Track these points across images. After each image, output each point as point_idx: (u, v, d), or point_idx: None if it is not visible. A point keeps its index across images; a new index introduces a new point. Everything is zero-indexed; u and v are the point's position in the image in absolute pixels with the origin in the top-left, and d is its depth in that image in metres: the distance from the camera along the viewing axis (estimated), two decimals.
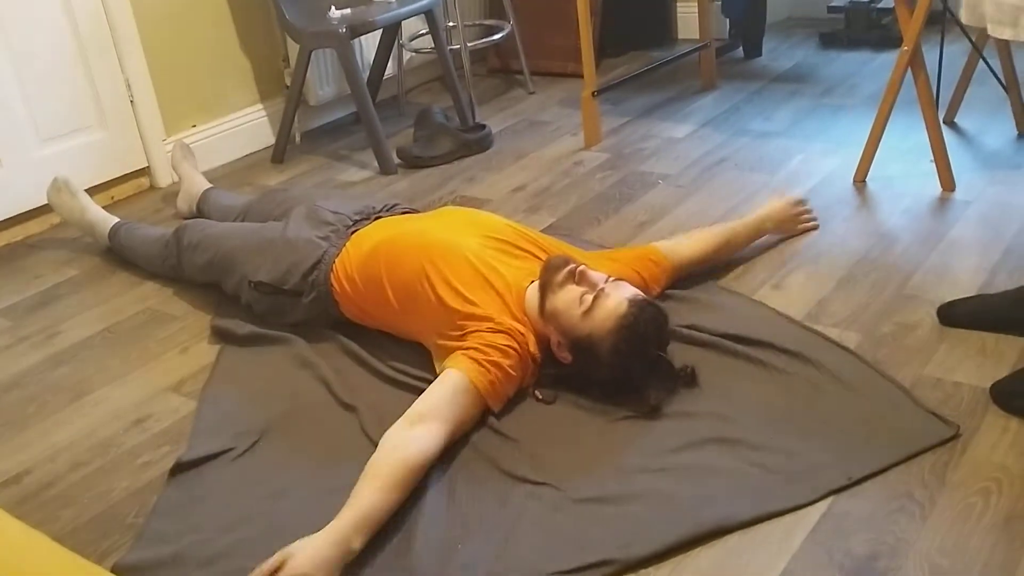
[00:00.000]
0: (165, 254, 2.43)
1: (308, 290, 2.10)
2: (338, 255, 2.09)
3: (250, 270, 2.18)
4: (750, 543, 1.49)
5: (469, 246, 1.95)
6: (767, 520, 1.52)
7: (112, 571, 1.53)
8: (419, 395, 1.89)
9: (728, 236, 2.28)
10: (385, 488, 1.55)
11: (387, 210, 2.26)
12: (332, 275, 2.08)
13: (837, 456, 1.64)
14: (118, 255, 2.63)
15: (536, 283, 1.89)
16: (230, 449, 1.81)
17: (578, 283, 1.85)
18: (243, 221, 2.49)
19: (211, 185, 2.85)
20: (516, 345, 1.82)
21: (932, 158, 2.59)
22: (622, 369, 1.78)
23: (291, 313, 2.15)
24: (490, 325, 1.82)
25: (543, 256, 1.98)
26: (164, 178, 3.19)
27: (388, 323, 2.05)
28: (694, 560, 1.47)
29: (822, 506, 1.54)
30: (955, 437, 1.66)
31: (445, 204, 2.80)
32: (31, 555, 1.13)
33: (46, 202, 2.89)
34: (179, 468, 1.76)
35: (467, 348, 1.79)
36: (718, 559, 1.47)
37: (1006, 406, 1.70)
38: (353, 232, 2.14)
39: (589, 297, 1.81)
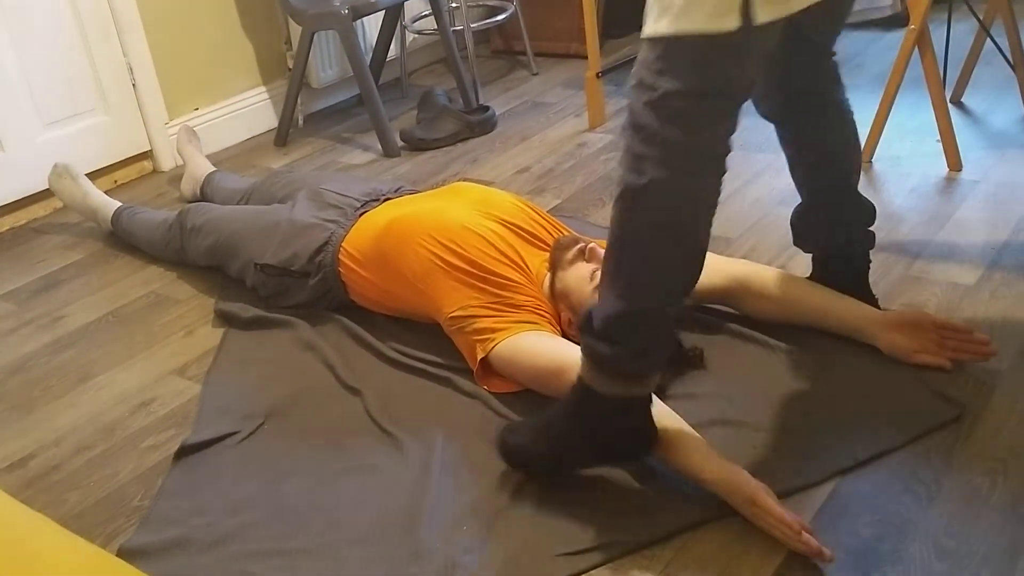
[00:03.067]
0: (168, 238, 2.43)
1: (315, 271, 2.10)
2: (345, 236, 2.08)
3: (256, 252, 2.18)
4: (755, 525, 1.48)
5: (489, 226, 1.95)
6: None
7: (117, 554, 1.54)
8: (423, 377, 1.91)
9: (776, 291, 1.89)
10: None
11: (395, 192, 2.25)
12: (340, 256, 2.07)
13: (842, 438, 1.63)
14: (121, 239, 2.62)
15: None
16: (235, 432, 1.81)
17: (588, 260, 1.86)
18: (247, 204, 2.48)
19: (215, 168, 2.84)
20: (542, 311, 1.86)
21: (939, 137, 2.57)
22: None
23: (297, 295, 2.15)
24: (517, 297, 1.84)
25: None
26: (167, 161, 3.19)
27: (398, 301, 2.03)
28: (699, 542, 1.47)
29: (827, 487, 1.54)
30: (960, 418, 1.65)
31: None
32: (36, 539, 1.13)
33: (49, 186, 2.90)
34: (184, 451, 1.77)
35: (507, 313, 1.82)
36: (723, 541, 1.47)
37: (509, 460, 1.62)
38: (361, 214, 2.13)
39: (599, 272, 1.81)
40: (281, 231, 2.16)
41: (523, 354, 1.76)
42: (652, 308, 1.44)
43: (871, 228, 1.88)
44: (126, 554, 1.53)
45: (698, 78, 1.33)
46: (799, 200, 1.89)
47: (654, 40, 1.35)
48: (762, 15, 1.28)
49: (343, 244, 2.08)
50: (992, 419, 1.65)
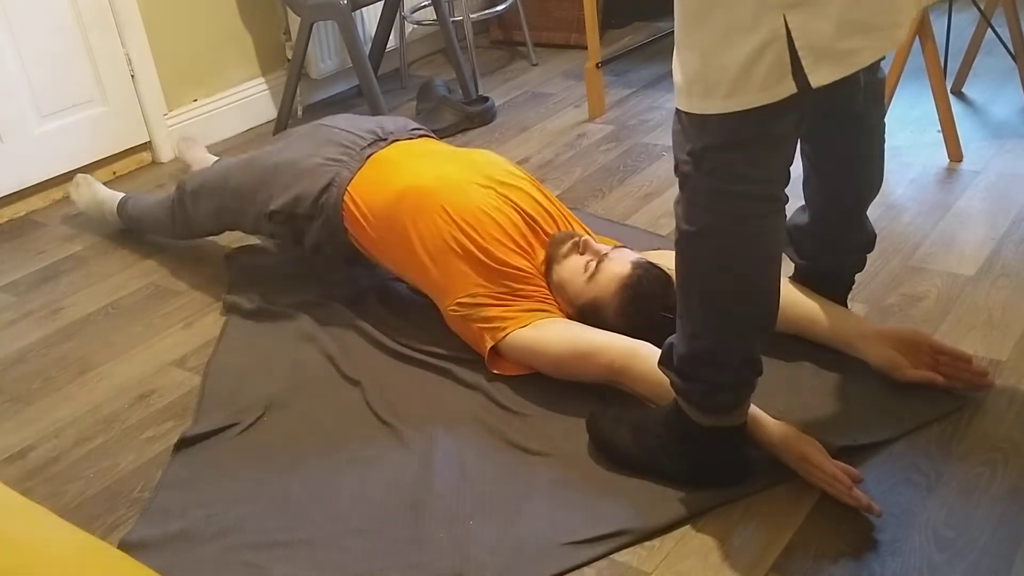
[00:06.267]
0: (173, 213, 2.37)
1: (318, 214, 2.05)
2: (352, 179, 2.03)
3: (262, 203, 2.12)
4: (756, 515, 1.49)
5: (505, 212, 1.93)
6: (773, 489, 1.52)
7: (118, 547, 1.54)
8: (423, 368, 1.91)
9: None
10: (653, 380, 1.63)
11: (408, 132, 2.17)
12: (345, 199, 2.02)
13: (843, 428, 1.63)
14: (129, 229, 2.60)
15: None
16: (234, 424, 1.81)
17: (582, 252, 1.86)
18: None
19: (218, 158, 2.81)
20: (550, 301, 1.87)
21: (939, 128, 2.57)
22: (628, 331, 1.77)
23: (308, 236, 2.10)
24: (527, 288, 1.85)
25: None
26: (166, 153, 3.18)
27: (394, 262, 2.00)
28: (700, 532, 1.47)
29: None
30: (959, 408, 1.65)
31: None
32: (35, 531, 1.13)
33: (48, 177, 2.90)
34: (184, 443, 1.77)
35: (518, 302, 1.82)
36: (723, 531, 1.47)
37: (599, 447, 1.64)
38: (369, 155, 2.07)
39: (593, 263, 1.83)
40: (281, 174, 2.10)
41: (542, 341, 1.76)
42: (723, 347, 1.43)
43: (867, 254, 1.81)
44: (127, 547, 1.53)
45: (740, 132, 1.30)
46: (802, 200, 1.81)
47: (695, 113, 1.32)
48: (817, 79, 1.23)
49: (349, 188, 2.02)
50: (992, 409, 1.65)
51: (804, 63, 1.22)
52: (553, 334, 1.77)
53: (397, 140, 2.12)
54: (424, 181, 1.96)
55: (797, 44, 1.21)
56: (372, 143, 2.10)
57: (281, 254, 2.20)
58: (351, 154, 2.07)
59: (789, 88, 1.24)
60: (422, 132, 2.22)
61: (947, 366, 1.69)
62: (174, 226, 2.42)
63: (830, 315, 1.79)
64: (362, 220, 2.01)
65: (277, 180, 2.11)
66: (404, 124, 2.22)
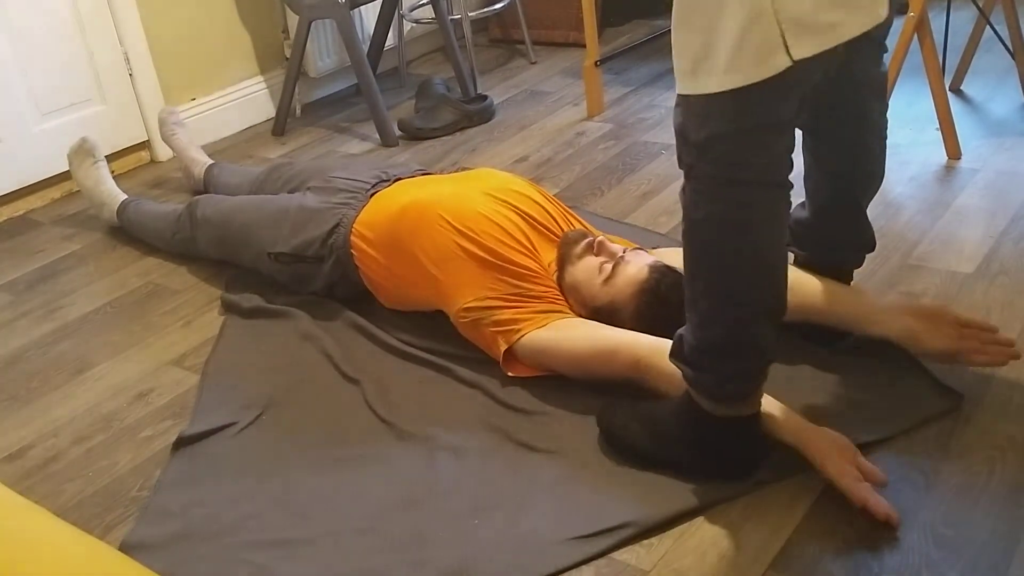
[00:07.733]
0: (176, 228, 2.40)
1: (328, 254, 2.08)
2: (357, 216, 2.05)
3: (268, 242, 2.15)
4: (754, 513, 1.49)
5: (504, 214, 1.93)
6: (773, 488, 1.52)
7: (119, 548, 1.53)
8: (423, 366, 1.90)
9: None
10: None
11: (410, 174, 2.21)
12: (352, 236, 2.04)
13: (842, 425, 1.63)
14: (125, 230, 2.60)
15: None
16: (233, 423, 1.80)
17: (597, 254, 1.85)
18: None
19: (212, 162, 2.79)
20: (560, 301, 1.86)
21: (938, 126, 2.57)
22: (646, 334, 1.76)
23: (314, 281, 2.13)
24: (536, 288, 1.84)
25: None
26: (164, 151, 3.17)
27: (408, 286, 1.99)
28: (698, 530, 1.47)
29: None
30: (959, 407, 1.65)
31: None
32: (33, 530, 1.13)
33: (46, 177, 2.89)
34: (182, 442, 1.77)
35: (530, 304, 1.81)
36: (722, 529, 1.47)
37: (610, 440, 1.64)
38: (372, 195, 2.11)
39: (609, 266, 1.82)
40: (291, 218, 2.13)
41: (560, 342, 1.75)
42: (733, 335, 1.43)
43: (867, 254, 1.81)
44: (128, 548, 1.53)
45: (743, 118, 1.31)
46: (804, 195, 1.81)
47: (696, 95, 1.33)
48: (799, 51, 1.25)
49: (355, 224, 2.05)
50: (990, 407, 1.65)
51: (786, 35, 1.24)
52: (572, 334, 1.75)
53: (400, 179, 2.17)
54: (423, 196, 1.99)
55: (779, 16, 1.23)
56: (376, 184, 2.14)
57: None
58: (357, 197, 2.11)
59: (783, 61, 1.25)
60: (425, 172, 2.26)
61: (971, 339, 1.64)
62: (172, 240, 2.44)
63: (843, 294, 1.77)
64: (370, 250, 2.02)
65: (285, 222, 2.14)
66: (408, 168, 2.27)
